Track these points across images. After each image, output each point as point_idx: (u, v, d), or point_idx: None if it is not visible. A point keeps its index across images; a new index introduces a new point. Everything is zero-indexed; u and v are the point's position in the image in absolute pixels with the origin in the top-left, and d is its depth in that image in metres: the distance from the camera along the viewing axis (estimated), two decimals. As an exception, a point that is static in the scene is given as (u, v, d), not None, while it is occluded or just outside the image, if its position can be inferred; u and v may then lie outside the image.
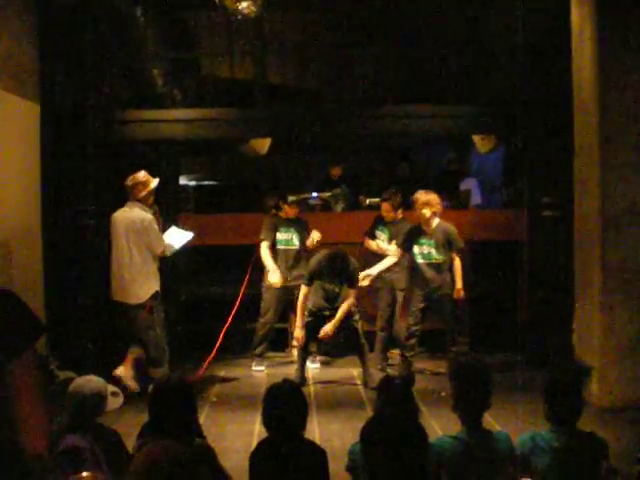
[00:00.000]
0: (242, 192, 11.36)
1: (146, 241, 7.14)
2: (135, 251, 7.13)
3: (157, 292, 7.21)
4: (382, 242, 8.25)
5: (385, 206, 8.20)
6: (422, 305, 7.84)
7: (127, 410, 5.21)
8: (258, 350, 8.34)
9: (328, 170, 10.45)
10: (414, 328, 7.82)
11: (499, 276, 9.17)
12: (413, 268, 7.97)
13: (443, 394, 6.77)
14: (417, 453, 2.72)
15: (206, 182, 12.33)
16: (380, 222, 8.35)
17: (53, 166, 7.85)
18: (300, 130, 9.15)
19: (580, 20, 7.22)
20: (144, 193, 7.20)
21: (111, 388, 4.33)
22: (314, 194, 10.06)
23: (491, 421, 5.16)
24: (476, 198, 10.44)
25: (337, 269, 7.49)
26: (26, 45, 7.51)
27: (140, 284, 7.13)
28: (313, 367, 8.23)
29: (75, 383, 4.13)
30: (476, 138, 9.82)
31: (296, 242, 8.38)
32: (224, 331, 8.24)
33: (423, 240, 7.86)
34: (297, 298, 7.75)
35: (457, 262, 7.82)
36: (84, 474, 2.70)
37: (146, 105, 9.13)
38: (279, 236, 8.38)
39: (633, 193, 6.82)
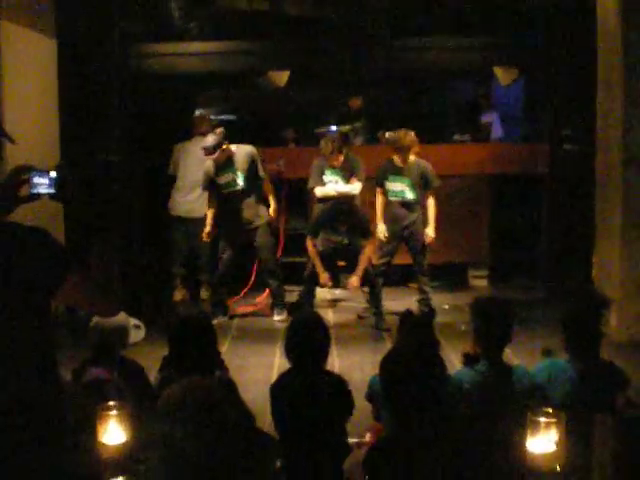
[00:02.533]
0: (260, 125, 11.30)
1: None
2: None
3: None
4: (338, 185, 7.66)
5: (334, 160, 7.56)
6: (393, 244, 7.68)
7: (148, 343, 5.28)
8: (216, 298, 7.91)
9: (347, 102, 10.33)
10: (382, 267, 7.64)
11: (520, 210, 9.13)
12: (385, 205, 7.69)
13: (463, 328, 6.81)
14: (435, 384, 2.74)
15: (224, 116, 12.27)
16: (324, 167, 7.72)
17: (72, 101, 7.83)
18: (318, 61, 9.05)
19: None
20: (206, 128, 8.28)
21: (133, 321, 4.39)
22: (333, 127, 9.99)
23: (510, 355, 5.19)
24: (497, 131, 10.34)
25: (341, 221, 7.26)
26: (41, -21, 7.43)
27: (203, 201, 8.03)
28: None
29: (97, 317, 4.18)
30: (497, 70, 9.69)
31: (239, 182, 7.54)
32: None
33: (397, 177, 7.55)
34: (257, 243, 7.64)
35: (431, 202, 7.59)
36: (110, 404, 2.75)
37: (163, 39, 9.05)
38: (220, 180, 7.59)
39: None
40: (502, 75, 9.72)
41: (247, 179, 7.54)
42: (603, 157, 7.25)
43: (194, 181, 8.18)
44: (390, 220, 7.66)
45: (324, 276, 7.37)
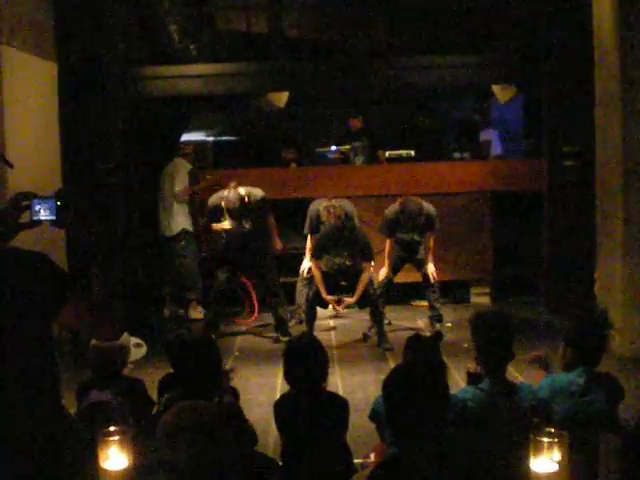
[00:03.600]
0: (260, 146, 11.34)
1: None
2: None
3: (184, 229, 8.55)
4: None
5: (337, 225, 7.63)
6: (399, 264, 7.91)
7: (151, 361, 5.25)
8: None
9: (348, 122, 10.38)
10: (383, 287, 7.81)
11: (521, 226, 9.13)
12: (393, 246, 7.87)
13: (465, 345, 6.79)
14: (438, 402, 2.73)
15: (224, 137, 12.32)
16: (321, 215, 7.85)
17: (72, 125, 7.86)
18: (318, 82, 9.09)
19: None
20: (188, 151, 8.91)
21: (134, 340, 4.39)
22: (333, 147, 10.02)
23: (513, 372, 5.18)
24: (496, 149, 10.37)
25: (344, 245, 7.30)
26: (42, 4, 7.47)
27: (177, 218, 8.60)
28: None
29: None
30: (496, 88, 9.72)
31: (247, 226, 7.72)
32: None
33: (406, 228, 7.67)
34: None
35: (431, 244, 7.82)
36: (111, 429, 2.74)
37: (163, 61, 9.10)
38: (228, 220, 7.75)
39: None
40: (500, 93, 9.75)
41: (256, 222, 7.70)
42: (603, 172, 7.26)
43: (167, 199, 8.60)
44: (397, 248, 7.85)
45: (330, 299, 7.44)
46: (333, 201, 7.78)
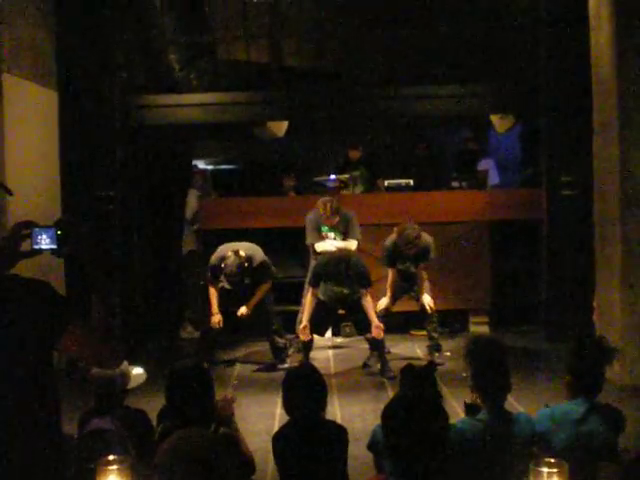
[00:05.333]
0: (259, 175, 11.38)
1: None
2: None
3: (191, 250, 9.21)
4: (336, 241, 7.81)
5: (330, 221, 7.71)
6: (399, 293, 7.86)
7: (149, 391, 5.23)
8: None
9: (347, 152, 10.42)
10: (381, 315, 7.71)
11: (520, 256, 9.14)
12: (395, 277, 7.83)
13: (464, 374, 6.77)
14: (437, 433, 2.72)
15: (223, 166, 12.36)
16: (320, 224, 7.84)
17: (72, 152, 7.89)
18: (317, 112, 9.14)
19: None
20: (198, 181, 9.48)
21: (134, 369, 4.39)
22: (332, 176, 10.04)
23: (513, 402, 5.16)
24: (494, 178, 10.40)
25: (342, 274, 7.23)
26: (43, 33, 7.54)
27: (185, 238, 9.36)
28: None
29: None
30: (494, 117, 9.78)
31: (246, 281, 7.58)
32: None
33: (404, 258, 7.66)
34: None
35: (424, 275, 7.77)
36: (110, 458, 2.73)
37: (163, 90, 9.15)
38: (226, 276, 7.56)
39: (653, 171, 6.78)
40: (498, 122, 9.81)
41: (254, 280, 7.56)
42: (601, 202, 7.28)
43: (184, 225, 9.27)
44: (397, 278, 7.80)
45: (304, 328, 7.33)
46: (327, 197, 7.81)
